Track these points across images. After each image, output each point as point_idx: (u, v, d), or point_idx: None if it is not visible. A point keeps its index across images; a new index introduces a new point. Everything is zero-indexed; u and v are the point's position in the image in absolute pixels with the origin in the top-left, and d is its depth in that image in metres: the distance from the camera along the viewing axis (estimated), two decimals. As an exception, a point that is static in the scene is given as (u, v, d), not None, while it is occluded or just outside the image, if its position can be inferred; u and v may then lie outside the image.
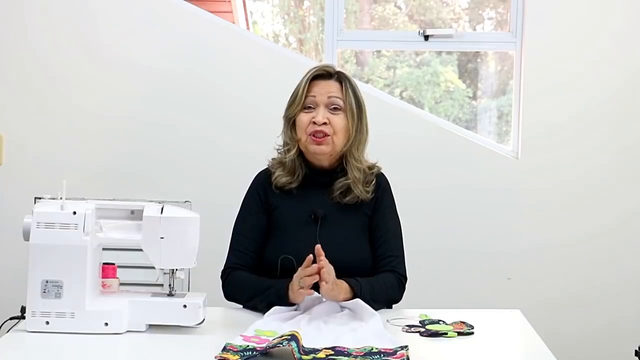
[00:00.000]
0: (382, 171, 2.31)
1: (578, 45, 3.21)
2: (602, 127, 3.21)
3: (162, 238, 1.89)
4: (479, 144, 3.25)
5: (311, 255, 1.99)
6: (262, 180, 2.29)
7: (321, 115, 2.19)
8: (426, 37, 3.33)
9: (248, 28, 5.42)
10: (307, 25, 5.11)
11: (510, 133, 3.34)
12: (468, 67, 4.49)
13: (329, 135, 2.19)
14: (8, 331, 1.86)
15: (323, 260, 1.98)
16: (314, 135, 2.19)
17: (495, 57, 4.23)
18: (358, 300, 2.04)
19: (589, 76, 3.21)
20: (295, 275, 2.03)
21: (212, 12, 3.35)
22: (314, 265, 1.98)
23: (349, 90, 2.23)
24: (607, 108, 3.21)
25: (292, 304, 2.05)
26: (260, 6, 5.62)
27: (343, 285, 2.06)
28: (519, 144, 3.24)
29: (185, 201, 2.75)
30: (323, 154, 2.22)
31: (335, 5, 3.32)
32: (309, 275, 1.98)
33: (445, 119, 3.73)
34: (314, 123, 2.19)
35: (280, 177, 2.24)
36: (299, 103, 2.22)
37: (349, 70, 4.23)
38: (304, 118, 2.21)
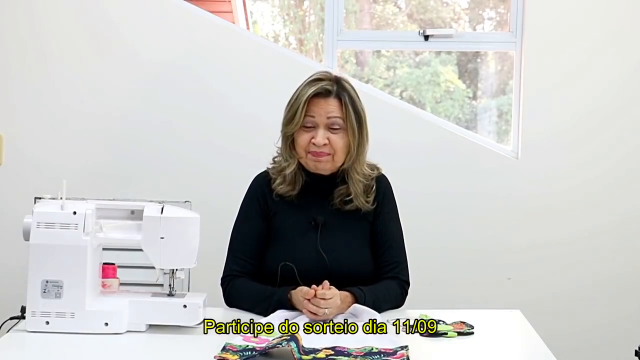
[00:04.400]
0: (382, 172, 2.29)
1: (578, 45, 3.21)
2: (602, 127, 3.21)
3: (162, 238, 1.90)
4: (479, 144, 3.25)
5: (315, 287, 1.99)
6: (262, 185, 2.26)
7: (321, 136, 2.15)
8: (426, 37, 3.33)
9: (248, 28, 5.42)
10: (307, 25, 5.10)
11: (510, 133, 3.34)
12: (468, 67, 4.48)
13: (330, 154, 2.17)
14: (8, 331, 1.86)
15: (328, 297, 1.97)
16: (313, 154, 2.16)
17: (495, 57, 4.23)
18: (357, 304, 2.04)
19: (589, 76, 3.21)
20: (303, 303, 1.99)
21: (212, 12, 3.35)
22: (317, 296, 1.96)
23: (349, 106, 2.17)
24: (607, 107, 3.21)
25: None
26: (260, 6, 5.62)
27: (347, 299, 2.05)
28: (519, 144, 3.24)
29: (185, 201, 2.75)
30: (324, 170, 2.20)
31: (335, 5, 3.31)
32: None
33: (445, 119, 3.73)
34: (314, 144, 2.15)
35: (281, 188, 2.21)
36: (297, 122, 2.16)
37: (348, 70, 4.23)
38: (303, 137, 2.17)
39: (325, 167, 2.18)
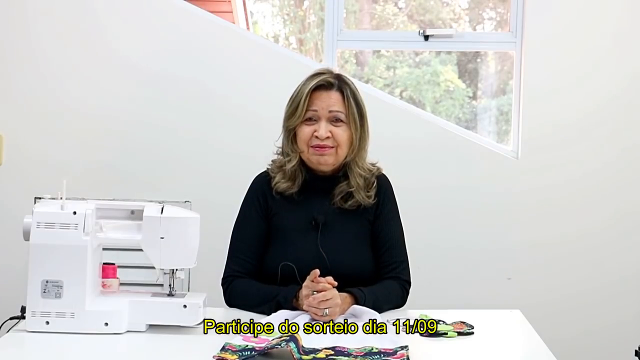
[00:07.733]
0: (383, 171, 2.29)
1: (578, 45, 3.21)
2: (602, 127, 3.21)
3: (162, 238, 1.89)
4: (479, 144, 3.25)
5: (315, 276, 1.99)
6: (262, 185, 2.26)
7: (323, 129, 2.15)
8: (426, 37, 3.33)
9: (248, 28, 5.42)
10: (307, 25, 5.11)
11: (510, 133, 3.34)
12: (468, 67, 4.49)
13: (333, 147, 2.16)
14: (8, 331, 1.86)
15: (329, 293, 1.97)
16: (316, 147, 2.16)
17: (495, 57, 4.23)
18: (356, 305, 2.04)
19: (589, 76, 3.21)
20: (305, 304, 1.99)
21: (212, 12, 3.35)
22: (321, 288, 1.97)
23: (351, 99, 2.18)
24: (607, 108, 3.21)
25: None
26: (261, 6, 5.62)
27: (347, 299, 2.05)
28: (519, 144, 3.24)
29: (185, 201, 2.75)
30: (327, 164, 2.19)
31: (335, 5, 3.31)
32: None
33: (446, 119, 3.73)
34: (317, 137, 2.15)
35: (281, 184, 2.21)
36: (299, 116, 2.17)
37: (349, 70, 4.23)
38: (305, 130, 2.17)
39: (328, 161, 2.18)
